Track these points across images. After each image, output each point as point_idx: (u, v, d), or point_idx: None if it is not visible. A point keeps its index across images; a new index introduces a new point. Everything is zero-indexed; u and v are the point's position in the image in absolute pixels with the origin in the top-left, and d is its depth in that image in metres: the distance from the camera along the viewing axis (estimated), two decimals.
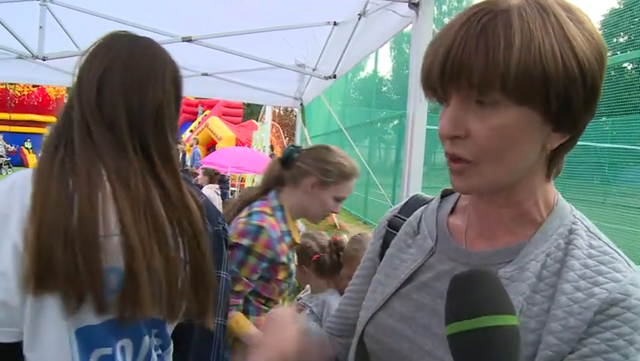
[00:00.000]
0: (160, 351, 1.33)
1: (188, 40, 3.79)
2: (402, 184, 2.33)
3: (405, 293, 1.03)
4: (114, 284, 1.14)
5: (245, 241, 2.17)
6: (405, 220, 1.14)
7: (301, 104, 5.71)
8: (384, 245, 1.15)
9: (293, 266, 2.39)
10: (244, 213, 2.29)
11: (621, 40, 8.93)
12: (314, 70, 4.47)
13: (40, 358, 1.09)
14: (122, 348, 1.22)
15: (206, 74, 5.03)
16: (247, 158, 9.72)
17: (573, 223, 0.92)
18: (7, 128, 24.76)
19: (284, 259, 2.26)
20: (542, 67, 0.77)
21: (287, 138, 20.45)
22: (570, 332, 0.81)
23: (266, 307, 2.31)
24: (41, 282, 1.06)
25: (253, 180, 13.61)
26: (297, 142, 6.84)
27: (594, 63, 0.81)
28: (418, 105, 2.22)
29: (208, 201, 1.82)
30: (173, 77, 1.33)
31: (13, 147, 24.89)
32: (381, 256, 1.14)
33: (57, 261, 1.06)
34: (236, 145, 16.22)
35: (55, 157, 1.16)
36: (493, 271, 0.78)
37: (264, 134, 12.35)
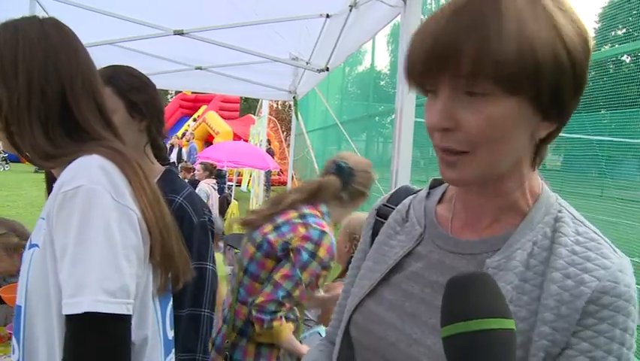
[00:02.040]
0: None
1: (180, 33, 3.75)
2: (390, 177, 2.32)
3: (394, 282, 1.03)
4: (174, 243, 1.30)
5: (309, 245, 2.22)
6: (393, 209, 1.14)
7: (294, 98, 5.69)
8: (374, 234, 1.15)
9: None
10: (293, 214, 2.33)
11: (619, 32, 8.91)
12: (307, 63, 4.44)
13: (140, 323, 1.20)
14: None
15: (200, 68, 5.00)
16: (243, 152, 9.70)
17: (559, 212, 0.92)
18: None
19: (332, 264, 2.32)
20: (534, 57, 0.77)
21: (284, 133, 20.43)
22: (563, 321, 0.82)
23: (293, 313, 2.33)
24: (157, 252, 1.20)
25: (250, 174, 13.61)
26: (292, 136, 6.81)
27: (581, 52, 0.81)
28: (406, 98, 2.21)
29: (193, 193, 1.82)
30: None
31: None
32: (372, 245, 1.15)
33: (162, 231, 1.21)
34: (234, 140, 16.19)
35: (106, 141, 1.24)
36: (489, 274, 0.76)
37: (260, 129, 12.33)
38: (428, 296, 0.96)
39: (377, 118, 18.14)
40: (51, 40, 1.21)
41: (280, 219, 2.33)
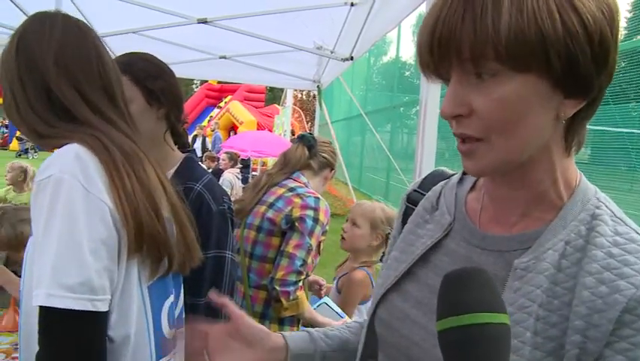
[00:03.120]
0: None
1: (204, 21, 3.75)
2: (414, 169, 2.29)
3: (420, 276, 0.98)
4: (172, 233, 1.29)
5: (310, 212, 2.39)
6: (424, 195, 1.08)
7: (318, 87, 5.65)
8: (404, 220, 1.10)
9: None
10: (281, 190, 2.49)
11: None
12: (332, 52, 4.40)
13: (120, 319, 1.15)
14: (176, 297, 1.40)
15: (224, 57, 4.99)
16: (267, 142, 9.73)
17: (597, 208, 0.84)
18: None
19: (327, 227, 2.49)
20: (537, 27, 0.70)
21: (309, 123, 20.42)
22: (596, 331, 0.75)
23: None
24: (135, 245, 1.15)
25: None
26: (316, 126, 6.79)
27: (600, 17, 0.73)
28: (431, 89, 2.18)
29: (212, 181, 1.81)
30: None
31: None
32: (402, 229, 1.10)
33: (144, 223, 1.16)
34: (258, 130, 16.23)
35: (97, 130, 1.22)
36: (485, 268, 0.72)
37: (284, 119, 12.32)
38: None
39: (402, 109, 18.04)
40: (23, 33, 1.27)
41: (271, 198, 2.48)
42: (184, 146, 1.95)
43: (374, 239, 2.83)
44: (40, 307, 1.03)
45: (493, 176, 0.89)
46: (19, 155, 23.57)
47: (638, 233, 0.81)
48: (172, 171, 1.81)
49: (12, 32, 1.31)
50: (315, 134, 6.40)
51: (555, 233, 0.83)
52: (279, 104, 17.52)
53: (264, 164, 14.57)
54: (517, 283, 0.82)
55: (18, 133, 25.06)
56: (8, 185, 6.17)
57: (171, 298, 1.35)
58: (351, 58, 4.11)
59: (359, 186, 15.53)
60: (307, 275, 2.44)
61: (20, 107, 1.24)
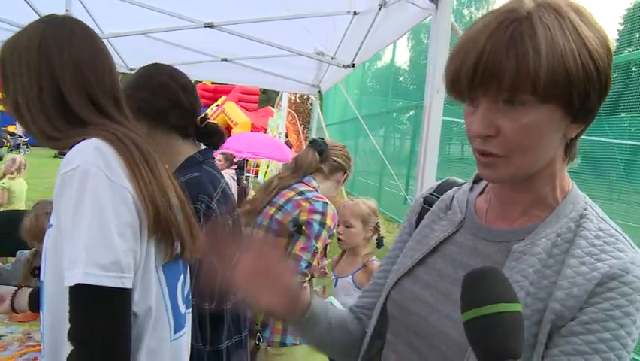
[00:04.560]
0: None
1: (210, 25, 3.84)
2: (417, 174, 2.39)
3: (430, 263, 1.15)
4: (182, 222, 1.39)
5: (317, 217, 2.47)
6: (439, 197, 1.26)
7: (319, 92, 5.74)
8: (420, 219, 1.27)
9: None
10: (291, 193, 2.58)
11: None
12: (332, 58, 4.50)
13: (142, 295, 1.27)
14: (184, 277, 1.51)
15: (225, 60, 5.08)
16: (263, 143, 9.76)
17: (584, 209, 1.01)
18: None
19: (335, 231, 2.59)
20: (565, 70, 0.86)
21: (302, 126, 20.48)
22: (573, 301, 0.91)
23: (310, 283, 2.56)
24: (153, 228, 1.27)
25: (268, 165, 13.69)
26: (314, 130, 6.88)
27: (606, 60, 0.90)
28: (435, 96, 2.27)
29: (192, 180, 1.87)
30: None
31: None
32: (416, 228, 1.26)
33: (160, 208, 1.28)
34: (252, 131, 16.27)
35: (110, 127, 1.33)
36: (498, 268, 0.87)
37: (279, 121, 12.40)
38: (460, 277, 1.02)
39: (395, 114, 18.15)
40: (44, 40, 1.34)
41: (281, 200, 2.57)
42: (212, 142, 2.06)
43: (367, 232, 3.19)
44: (72, 287, 1.14)
45: (505, 183, 1.04)
46: (11, 150, 23.48)
47: (616, 230, 0.99)
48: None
49: (23, 30, 1.38)
50: (315, 136, 6.50)
51: (549, 226, 1.00)
52: (272, 106, 17.57)
53: (257, 165, 14.62)
54: (513, 263, 0.98)
55: (11, 128, 24.97)
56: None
57: (182, 278, 1.47)
58: (353, 65, 4.21)
59: (351, 190, 15.61)
60: (312, 276, 2.54)
61: (32, 110, 1.33)
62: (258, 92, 23.18)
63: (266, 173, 14.10)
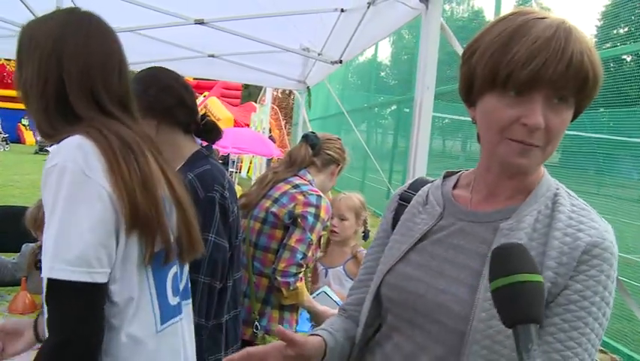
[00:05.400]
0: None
1: (200, 22, 3.86)
2: (408, 169, 2.46)
3: (421, 247, 1.25)
4: (168, 211, 1.42)
5: (311, 209, 2.56)
6: (414, 194, 1.37)
7: (308, 88, 5.78)
8: (397, 216, 1.37)
9: None
10: (286, 186, 2.66)
11: (621, 31, 8.99)
12: (319, 54, 4.55)
13: (122, 288, 1.31)
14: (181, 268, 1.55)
15: (212, 56, 5.09)
16: (247, 139, 9.78)
17: (557, 189, 1.17)
18: (4, 104, 24.62)
19: (328, 223, 2.68)
20: (595, 75, 1.04)
21: (284, 121, 20.48)
22: (564, 268, 1.06)
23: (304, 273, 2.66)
24: (130, 224, 1.28)
25: (251, 161, 13.71)
26: (299, 125, 6.92)
27: (599, 68, 1.07)
28: (425, 93, 2.32)
29: (206, 172, 2.02)
30: None
31: None
32: (394, 225, 1.37)
33: (139, 204, 1.29)
34: (235, 127, 16.25)
35: (98, 124, 1.34)
36: (522, 244, 0.98)
37: (263, 117, 12.41)
38: (451, 256, 1.19)
39: (377, 109, 18.23)
40: (61, 32, 1.37)
41: (276, 193, 2.65)
42: (210, 138, 2.17)
43: (358, 225, 3.32)
44: (46, 279, 1.20)
45: (523, 171, 1.15)
46: None
47: (584, 204, 1.16)
48: (181, 164, 2.01)
49: (44, 18, 1.40)
50: (299, 132, 6.55)
51: (530, 205, 1.14)
52: (255, 102, 17.54)
53: (240, 161, 14.62)
54: (502, 239, 1.10)
55: None
56: None
57: (174, 268, 1.50)
58: (340, 61, 4.26)
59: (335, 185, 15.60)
60: (307, 267, 2.64)
61: (35, 104, 1.37)
62: (240, 88, 23.13)
63: (249, 168, 14.12)
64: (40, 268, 2.83)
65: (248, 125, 15.26)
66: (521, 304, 0.88)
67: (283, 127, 17.85)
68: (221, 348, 2.08)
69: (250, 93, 24.32)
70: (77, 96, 1.35)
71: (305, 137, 2.86)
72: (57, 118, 1.35)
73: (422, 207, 1.31)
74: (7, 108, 24.60)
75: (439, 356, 1.15)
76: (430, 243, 1.24)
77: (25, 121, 25.42)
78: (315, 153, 2.81)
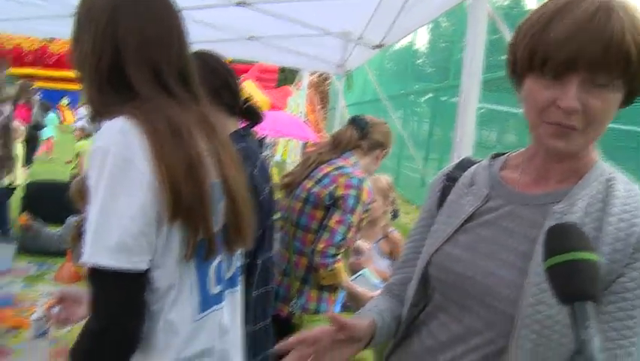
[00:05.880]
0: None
1: (242, 4, 3.85)
2: (451, 159, 2.41)
3: (468, 228, 1.23)
4: (217, 197, 1.38)
5: (353, 192, 2.55)
6: (460, 175, 1.34)
7: (348, 72, 5.74)
8: (442, 196, 1.35)
9: None
10: (329, 168, 2.66)
11: None
12: (359, 38, 4.50)
13: (163, 275, 1.29)
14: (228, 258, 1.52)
15: (252, 38, 5.09)
16: (285, 122, 9.74)
17: (610, 174, 1.13)
18: (46, 84, 24.97)
19: (370, 206, 2.67)
20: (632, 57, 0.98)
21: (320, 106, 20.41)
22: (618, 254, 1.02)
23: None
24: (173, 212, 1.24)
25: (286, 144, 13.71)
26: (337, 109, 6.89)
27: None
28: (472, 81, 2.29)
29: (238, 150, 1.96)
30: None
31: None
32: (439, 205, 1.35)
33: (183, 193, 1.25)
34: (271, 110, 16.27)
35: (147, 104, 1.30)
36: (576, 223, 0.98)
37: (299, 100, 12.37)
38: (500, 239, 1.16)
39: (412, 97, 18.06)
40: (112, 4, 1.32)
41: (319, 174, 2.66)
42: (252, 120, 2.20)
43: (387, 205, 3.37)
44: (87, 264, 1.19)
45: (565, 155, 1.12)
46: None
47: None
48: None
49: None
50: (336, 116, 6.52)
51: (582, 189, 1.11)
52: (290, 85, 17.50)
53: (275, 144, 14.63)
54: (554, 223, 1.03)
55: None
56: None
57: (219, 257, 1.45)
58: (381, 46, 4.21)
59: None
60: (347, 249, 2.63)
61: (86, 80, 1.34)
62: (276, 71, 23.13)
63: (284, 152, 14.13)
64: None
65: (283, 109, 15.25)
66: (578, 281, 0.86)
67: (319, 111, 17.80)
68: (250, 321, 2.08)
69: (286, 77, 24.30)
70: (134, 68, 1.31)
71: (352, 120, 2.85)
72: (110, 94, 1.31)
73: (467, 188, 1.29)
74: (48, 88, 24.96)
75: (488, 338, 1.14)
76: (478, 224, 1.22)
77: (65, 100, 25.78)
78: (362, 136, 2.77)
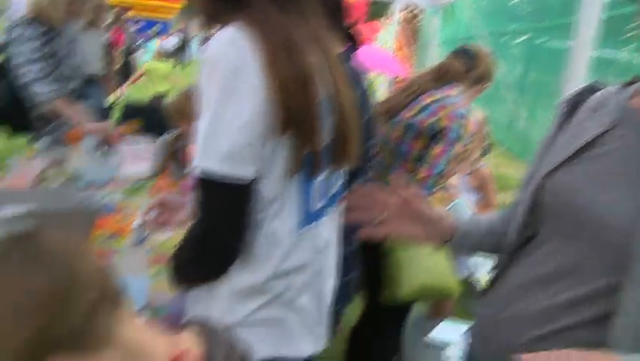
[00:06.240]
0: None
1: None
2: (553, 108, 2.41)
3: (585, 156, 1.15)
4: (326, 113, 1.33)
5: (457, 123, 2.48)
6: (585, 100, 1.26)
7: (444, 4, 5.60)
8: (565, 119, 1.27)
9: None
10: (431, 98, 2.58)
11: None
12: None
13: (268, 186, 1.29)
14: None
15: None
16: (375, 56, 9.51)
17: None
18: (139, 13, 25.24)
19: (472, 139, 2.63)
20: None
21: (410, 42, 19.96)
22: None
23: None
24: (282, 125, 1.22)
25: (373, 80, 13.62)
26: (429, 45, 6.81)
27: None
28: (587, 31, 2.24)
29: (354, 69, 1.97)
30: None
31: None
32: (562, 124, 1.28)
33: (294, 107, 1.22)
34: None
35: (261, 14, 1.25)
36: None
37: (388, 36, 12.11)
38: (621, 170, 1.07)
39: (506, 37, 17.41)
40: None
41: (422, 104, 2.57)
42: (355, 44, 2.10)
43: (479, 140, 3.32)
44: (196, 168, 1.21)
45: None
46: None
47: None
48: None
49: None
50: (428, 52, 6.40)
51: None
52: (380, 19, 17.15)
53: None
54: None
55: None
56: None
57: (324, 174, 1.42)
58: None
59: None
60: (446, 179, 2.62)
61: None
62: (366, 4, 22.70)
63: (371, 87, 14.02)
64: (177, 159, 3.08)
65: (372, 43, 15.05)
66: None
67: (409, 47, 17.46)
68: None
69: (375, 12, 23.83)
70: None
71: (460, 50, 2.77)
72: (221, 1, 1.29)
73: (592, 113, 1.19)
74: (141, 17, 25.22)
75: (599, 273, 1.08)
76: (598, 153, 1.12)
77: (155, 28, 26.26)
78: (469, 68, 2.70)
